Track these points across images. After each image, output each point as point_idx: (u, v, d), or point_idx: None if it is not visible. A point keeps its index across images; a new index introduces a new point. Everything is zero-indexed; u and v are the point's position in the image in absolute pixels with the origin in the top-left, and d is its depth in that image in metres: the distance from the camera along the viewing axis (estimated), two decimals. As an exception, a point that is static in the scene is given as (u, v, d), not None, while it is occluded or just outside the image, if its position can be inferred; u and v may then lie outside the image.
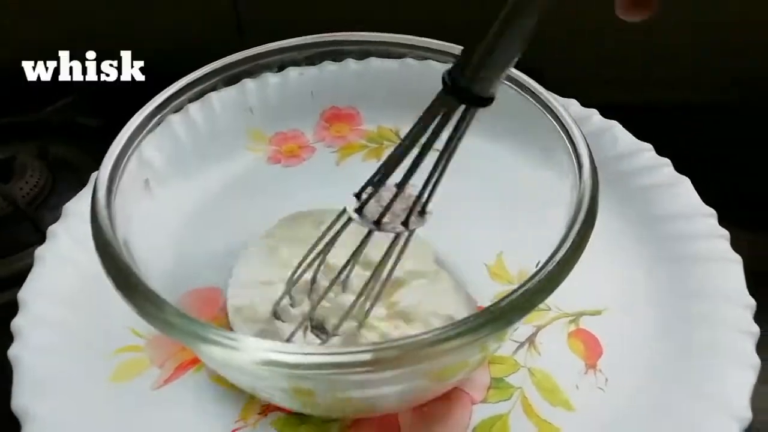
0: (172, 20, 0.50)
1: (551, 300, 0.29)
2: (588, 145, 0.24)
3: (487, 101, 0.20)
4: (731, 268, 0.29)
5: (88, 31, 0.50)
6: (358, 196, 0.24)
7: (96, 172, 0.34)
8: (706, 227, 0.31)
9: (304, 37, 0.33)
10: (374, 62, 0.34)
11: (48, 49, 0.50)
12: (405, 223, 0.24)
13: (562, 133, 0.25)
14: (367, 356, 0.18)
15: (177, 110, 0.29)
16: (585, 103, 0.38)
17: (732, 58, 0.48)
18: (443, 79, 0.20)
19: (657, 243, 0.31)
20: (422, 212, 0.24)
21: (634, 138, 0.36)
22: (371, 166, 0.36)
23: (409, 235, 0.25)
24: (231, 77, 0.31)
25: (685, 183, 0.33)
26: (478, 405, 0.26)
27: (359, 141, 0.37)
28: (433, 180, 0.23)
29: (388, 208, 0.23)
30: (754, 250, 0.30)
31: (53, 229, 0.30)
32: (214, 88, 0.30)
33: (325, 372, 0.18)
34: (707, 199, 0.32)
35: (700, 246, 0.30)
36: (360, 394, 0.24)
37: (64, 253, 0.29)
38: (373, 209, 0.24)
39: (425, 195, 0.23)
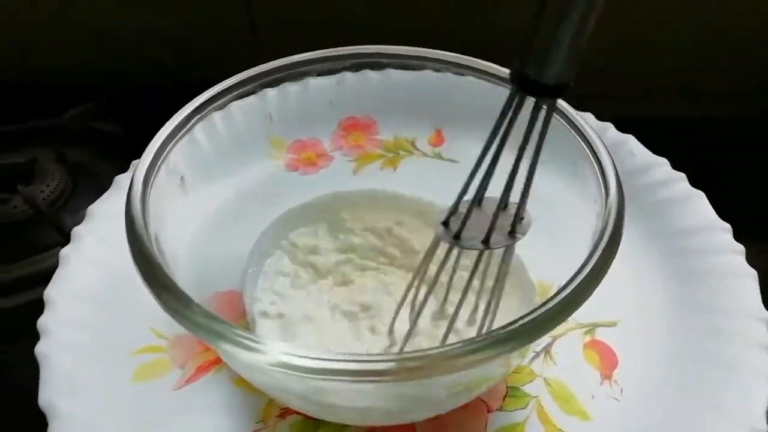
0: (184, 23, 0.51)
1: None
2: (616, 172, 0.24)
3: (560, 90, 0.18)
4: (746, 283, 0.29)
5: (99, 36, 0.51)
6: (445, 224, 0.23)
7: (120, 175, 0.35)
8: (722, 242, 0.31)
9: (327, 50, 0.34)
10: (392, 73, 0.34)
11: (62, 55, 0.51)
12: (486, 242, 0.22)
13: (591, 157, 0.25)
14: (387, 366, 0.18)
15: (203, 118, 0.29)
16: (598, 117, 0.38)
17: (743, 68, 0.49)
18: (510, 74, 0.18)
19: (672, 257, 0.31)
20: (512, 232, 0.22)
21: (649, 152, 0.36)
22: (387, 175, 0.37)
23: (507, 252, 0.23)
24: (254, 88, 0.32)
25: (701, 198, 0.33)
26: (494, 413, 0.27)
27: (376, 150, 0.37)
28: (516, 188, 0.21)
29: (493, 226, 0.22)
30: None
31: (77, 231, 0.31)
32: (240, 98, 0.31)
33: (342, 379, 0.18)
34: (720, 210, 0.33)
35: (716, 260, 0.30)
36: (379, 403, 0.24)
37: (89, 253, 0.30)
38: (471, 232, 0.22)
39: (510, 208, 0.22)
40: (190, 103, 0.28)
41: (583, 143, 0.26)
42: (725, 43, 0.48)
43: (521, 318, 0.19)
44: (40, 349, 0.26)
